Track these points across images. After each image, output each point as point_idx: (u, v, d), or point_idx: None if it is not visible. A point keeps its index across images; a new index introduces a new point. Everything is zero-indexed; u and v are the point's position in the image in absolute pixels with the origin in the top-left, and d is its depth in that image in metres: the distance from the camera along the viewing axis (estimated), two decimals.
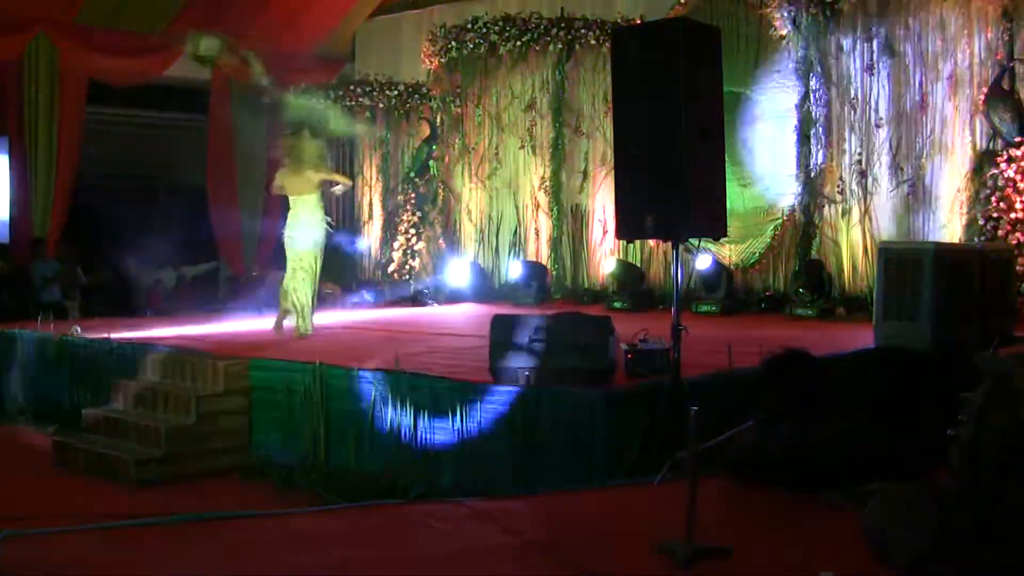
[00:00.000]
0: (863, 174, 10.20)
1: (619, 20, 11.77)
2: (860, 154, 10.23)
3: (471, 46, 12.83)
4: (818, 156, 10.45)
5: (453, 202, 13.42)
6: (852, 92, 10.29)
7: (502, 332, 6.01)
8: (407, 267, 13.44)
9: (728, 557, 3.70)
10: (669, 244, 7.15)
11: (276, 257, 11.83)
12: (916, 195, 9.94)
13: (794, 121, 10.56)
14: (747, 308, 10.76)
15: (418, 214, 13.43)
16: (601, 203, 12.07)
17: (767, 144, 10.91)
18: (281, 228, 8.87)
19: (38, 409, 8.76)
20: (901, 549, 3.40)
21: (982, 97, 9.40)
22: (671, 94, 5.73)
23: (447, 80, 13.31)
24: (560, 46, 12.33)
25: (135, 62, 13.12)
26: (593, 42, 12.12)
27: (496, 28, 12.61)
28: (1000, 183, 9.17)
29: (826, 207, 10.43)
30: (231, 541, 4.36)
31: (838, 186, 10.36)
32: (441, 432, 6.13)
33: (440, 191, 13.41)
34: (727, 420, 4.59)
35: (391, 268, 13.51)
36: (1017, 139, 9.16)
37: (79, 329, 8.90)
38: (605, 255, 12.20)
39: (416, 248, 13.44)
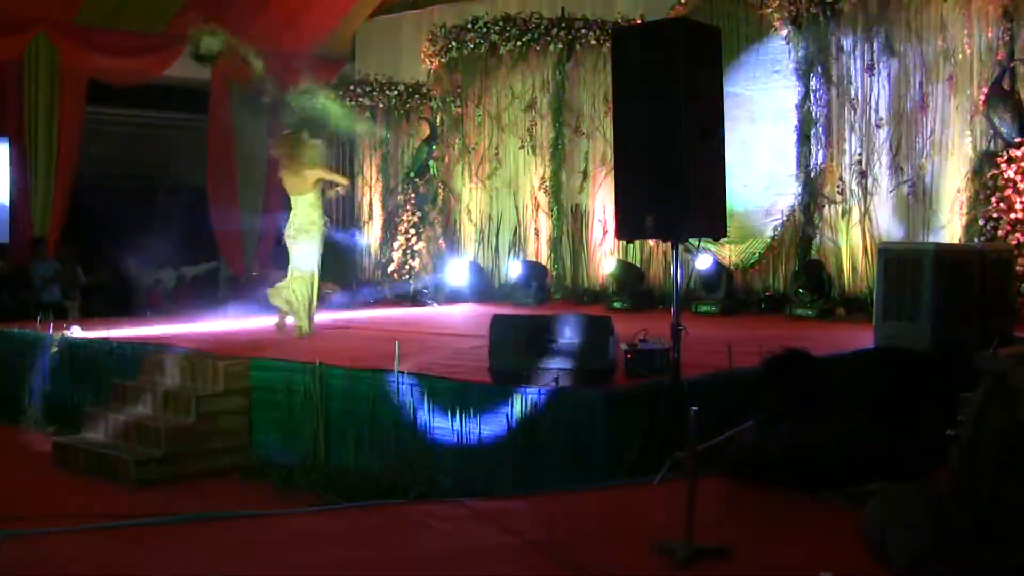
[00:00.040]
0: (863, 174, 10.21)
1: (619, 20, 11.77)
2: (860, 154, 10.23)
3: (471, 46, 12.84)
4: (818, 156, 10.45)
5: (453, 202, 13.42)
6: (852, 92, 10.29)
7: (502, 332, 6.01)
8: (407, 267, 13.44)
9: (727, 557, 3.70)
10: (669, 244, 7.15)
11: (276, 257, 11.87)
12: (916, 195, 9.95)
13: (794, 121, 10.56)
14: (747, 308, 10.76)
15: (418, 214, 13.43)
16: (601, 203, 12.08)
17: (767, 144, 10.91)
18: (282, 227, 8.90)
19: (38, 409, 8.76)
20: (900, 549, 3.40)
21: (982, 97, 9.40)
22: (671, 94, 5.73)
23: (447, 80, 13.32)
24: (560, 46, 12.34)
25: (135, 62, 13.13)
26: (593, 42, 12.12)
27: (496, 28, 12.62)
28: (1000, 183, 9.17)
29: (826, 207, 10.43)
30: (231, 541, 4.36)
31: (838, 186, 10.36)
32: (441, 432, 6.14)
33: (440, 191, 13.41)
34: (727, 420, 4.58)
35: (391, 268, 13.51)
36: (1017, 139, 9.16)
37: (78, 328, 8.90)
38: (605, 255, 12.20)
39: (416, 248, 13.44)
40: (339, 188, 9.04)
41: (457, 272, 12.88)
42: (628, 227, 6.18)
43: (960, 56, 9.62)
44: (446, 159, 13.38)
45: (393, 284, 13.24)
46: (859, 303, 9.91)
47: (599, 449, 5.51)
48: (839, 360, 6.70)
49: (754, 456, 4.75)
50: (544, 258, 12.62)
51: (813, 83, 10.44)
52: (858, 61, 10.26)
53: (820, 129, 10.42)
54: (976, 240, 9.18)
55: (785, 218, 10.71)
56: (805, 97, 10.49)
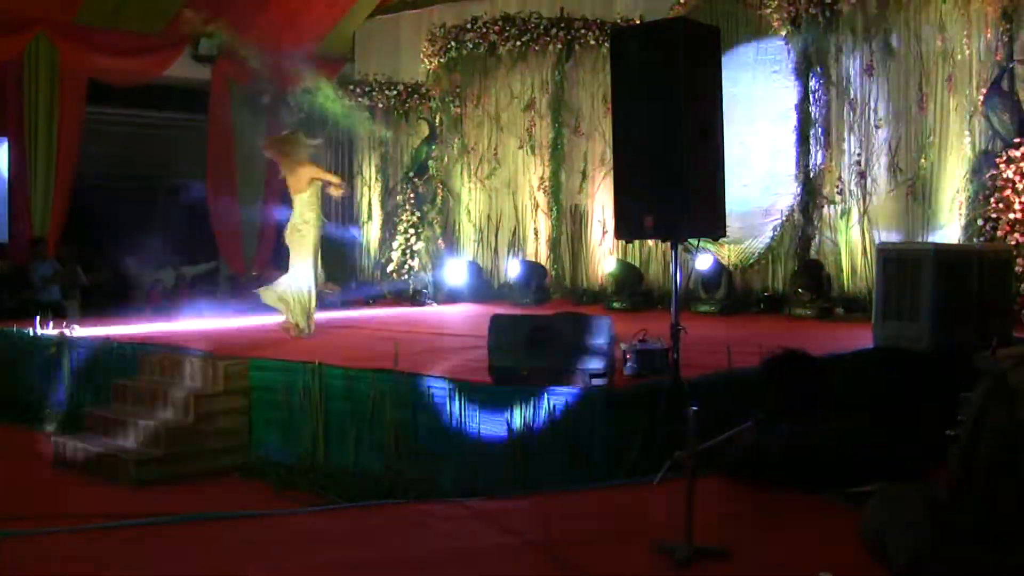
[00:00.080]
0: (862, 174, 10.21)
1: (619, 20, 11.79)
2: (859, 154, 10.23)
3: (470, 46, 12.85)
4: (817, 156, 10.46)
5: (452, 202, 13.43)
6: (851, 92, 10.30)
7: (501, 332, 6.01)
8: (406, 267, 13.44)
9: (727, 557, 3.71)
10: (668, 244, 7.16)
11: (276, 257, 11.87)
12: (915, 196, 9.95)
13: (794, 121, 10.57)
14: (746, 308, 10.76)
15: (417, 214, 13.43)
16: (600, 203, 12.08)
17: (766, 144, 10.91)
18: (283, 227, 8.91)
19: (39, 409, 8.75)
20: (900, 549, 3.40)
21: (981, 98, 9.41)
22: (671, 94, 5.74)
23: (446, 80, 13.32)
24: (560, 46, 12.35)
25: (135, 62, 13.12)
26: (593, 42, 12.13)
27: (495, 28, 12.63)
28: (999, 184, 9.17)
29: (825, 207, 10.44)
30: (231, 541, 4.36)
31: (837, 186, 10.37)
32: (441, 432, 6.13)
33: (439, 191, 13.41)
34: (727, 420, 4.58)
35: (390, 268, 13.51)
36: (1016, 140, 9.16)
37: (78, 328, 8.90)
38: (604, 255, 12.20)
39: (415, 248, 13.44)
40: (332, 189, 8.96)
41: (456, 272, 12.89)
42: (627, 227, 6.18)
43: (959, 57, 9.62)
44: (445, 159, 13.38)
45: (392, 284, 13.24)
46: (858, 303, 9.91)
47: (599, 449, 5.52)
48: (839, 360, 6.71)
49: (754, 456, 4.76)
50: (543, 258, 12.63)
51: (812, 83, 10.45)
52: (857, 61, 10.27)
53: (819, 129, 10.43)
54: (975, 240, 9.18)
55: (784, 218, 10.71)
56: (804, 97, 10.50)
